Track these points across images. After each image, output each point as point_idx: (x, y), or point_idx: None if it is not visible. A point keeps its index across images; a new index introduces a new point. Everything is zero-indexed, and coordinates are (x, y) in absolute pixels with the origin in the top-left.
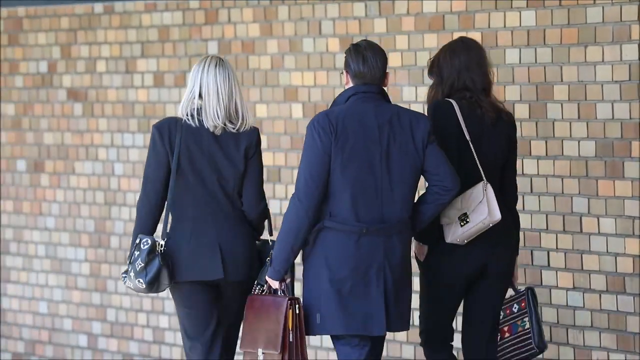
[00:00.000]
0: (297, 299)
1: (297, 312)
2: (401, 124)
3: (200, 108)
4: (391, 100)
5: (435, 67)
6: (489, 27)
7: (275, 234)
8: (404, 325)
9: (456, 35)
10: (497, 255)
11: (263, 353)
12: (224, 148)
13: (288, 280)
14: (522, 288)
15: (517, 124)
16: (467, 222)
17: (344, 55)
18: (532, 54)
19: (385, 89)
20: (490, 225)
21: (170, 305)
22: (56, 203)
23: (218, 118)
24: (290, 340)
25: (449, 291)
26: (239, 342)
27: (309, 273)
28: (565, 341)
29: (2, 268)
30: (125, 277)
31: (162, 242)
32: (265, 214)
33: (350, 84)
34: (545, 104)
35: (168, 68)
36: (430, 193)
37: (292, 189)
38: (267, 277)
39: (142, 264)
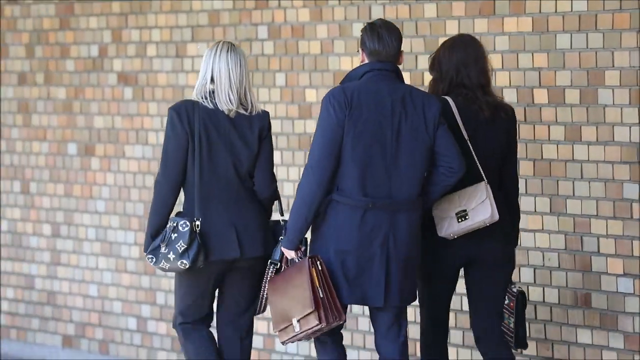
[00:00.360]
0: (317, 256)
1: (320, 268)
2: (414, 104)
3: (213, 92)
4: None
5: (436, 63)
6: (540, 12)
7: (287, 213)
8: (404, 300)
9: (507, 21)
10: (486, 248)
11: (298, 321)
12: (238, 130)
13: (303, 249)
14: (515, 288)
15: (567, 109)
16: (466, 218)
17: (360, 33)
18: (584, 39)
19: (399, 67)
20: (488, 224)
21: None
22: (106, 186)
23: (231, 102)
24: (321, 296)
25: (441, 283)
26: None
27: (316, 244)
28: (615, 328)
29: (53, 251)
30: (153, 257)
31: (198, 223)
32: (276, 194)
33: (366, 60)
34: (596, 90)
35: None
36: (437, 174)
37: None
38: (282, 248)
39: (185, 246)
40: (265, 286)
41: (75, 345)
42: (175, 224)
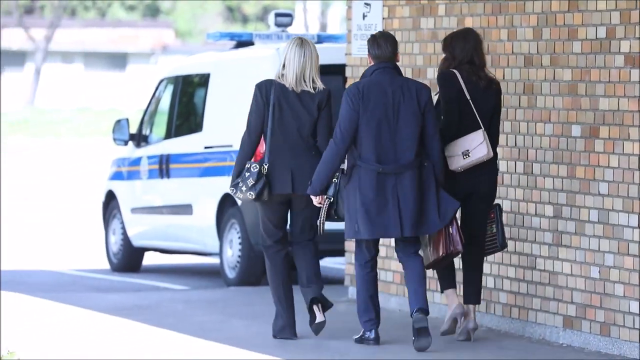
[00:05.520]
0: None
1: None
2: (409, 90)
3: (283, 75)
4: None
5: (449, 46)
6: None
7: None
8: (415, 231)
9: None
10: (485, 178)
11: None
12: (302, 101)
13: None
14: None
15: None
16: (468, 156)
17: (366, 43)
18: None
19: (398, 64)
20: (485, 160)
21: None
22: (609, 169)
23: (294, 82)
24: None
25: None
26: None
27: (348, 195)
28: None
29: (555, 232)
30: (235, 189)
31: (266, 166)
32: None
33: (372, 63)
34: None
35: None
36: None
37: None
38: (307, 192)
39: (253, 182)
40: (322, 214)
41: (577, 326)
42: (249, 166)
